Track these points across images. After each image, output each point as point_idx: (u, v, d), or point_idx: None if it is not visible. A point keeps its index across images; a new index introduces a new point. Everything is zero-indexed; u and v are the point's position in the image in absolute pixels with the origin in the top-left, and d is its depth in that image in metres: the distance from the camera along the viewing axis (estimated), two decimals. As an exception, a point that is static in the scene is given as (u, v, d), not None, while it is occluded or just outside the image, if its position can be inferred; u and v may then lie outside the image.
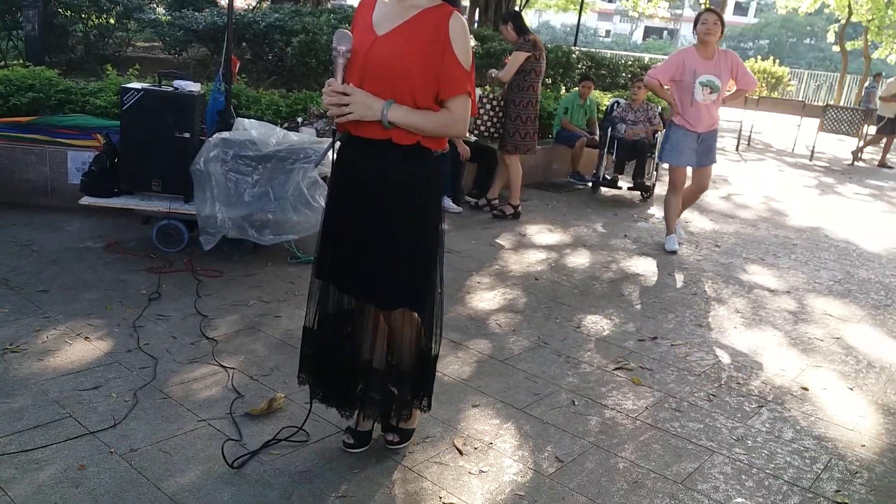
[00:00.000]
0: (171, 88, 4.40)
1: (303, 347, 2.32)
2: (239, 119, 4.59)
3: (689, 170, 5.15)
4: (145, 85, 4.46)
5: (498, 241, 5.24)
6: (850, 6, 22.45)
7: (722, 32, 4.87)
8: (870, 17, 22.56)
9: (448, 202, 6.03)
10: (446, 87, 1.96)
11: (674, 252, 5.22)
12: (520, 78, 5.73)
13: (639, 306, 4.08)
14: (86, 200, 4.30)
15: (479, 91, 7.22)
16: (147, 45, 9.14)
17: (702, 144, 5.00)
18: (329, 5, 12.25)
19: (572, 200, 6.87)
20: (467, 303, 3.91)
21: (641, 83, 7.50)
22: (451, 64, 1.93)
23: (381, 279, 2.08)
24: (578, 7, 16.75)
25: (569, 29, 51.85)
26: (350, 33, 1.96)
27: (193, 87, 4.46)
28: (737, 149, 12.02)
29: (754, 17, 57.07)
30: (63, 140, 5.04)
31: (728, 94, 5.10)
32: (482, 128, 6.03)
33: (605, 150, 7.10)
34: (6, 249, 4.13)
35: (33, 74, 5.46)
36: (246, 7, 13.27)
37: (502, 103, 5.91)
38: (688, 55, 4.91)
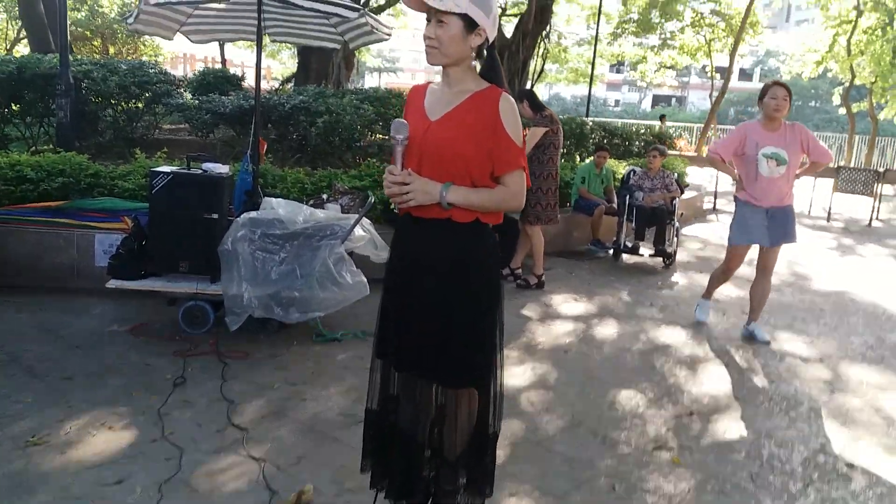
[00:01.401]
0: (199, 171, 4.49)
1: (365, 431, 2.31)
2: (266, 198, 4.65)
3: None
4: (174, 168, 4.56)
5: (524, 312, 5.19)
6: (852, 69, 22.82)
7: (789, 108, 4.55)
8: (872, 80, 22.89)
9: None
10: (501, 164, 2.00)
11: (703, 322, 5.09)
12: (539, 152, 5.81)
13: (672, 380, 3.98)
14: (113, 284, 4.33)
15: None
16: (172, 127, 9.41)
17: (772, 220, 4.61)
18: (351, 87, 12.66)
19: (595, 268, 6.83)
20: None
21: (657, 152, 7.59)
22: (504, 141, 1.97)
23: (444, 357, 2.07)
24: (589, 79, 17.13)
25: (579, 100, 53.04)
26: (406, 122, 2.01)
27: (222, 169, 4.55)
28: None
29: (759, 81, 58.13)
30: (91, 223, 5.13)
31: (802, 168, 4.79)
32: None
33: (625, 217, 7.10)
34: (33, 336, 4.14)
35: (64, 160, 5.60)
36: (269, 89, 13.77)
37: (522, 176, 5.97)
38: (750, 129, 4.64)
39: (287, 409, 3.34)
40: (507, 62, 16.21)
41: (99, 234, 5.11)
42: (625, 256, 7.27)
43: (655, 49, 25.70)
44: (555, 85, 44.13)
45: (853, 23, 21.88)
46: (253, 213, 4.39)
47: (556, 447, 3.06)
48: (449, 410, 2.17)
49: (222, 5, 5.16)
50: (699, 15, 24.09)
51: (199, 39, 5.51)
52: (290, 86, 14.80)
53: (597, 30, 16.23)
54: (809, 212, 12.17)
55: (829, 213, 11.63)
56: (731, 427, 3.36)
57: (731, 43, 23.83)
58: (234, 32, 5.63)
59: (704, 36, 24.49)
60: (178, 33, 5.38)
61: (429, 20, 1.97)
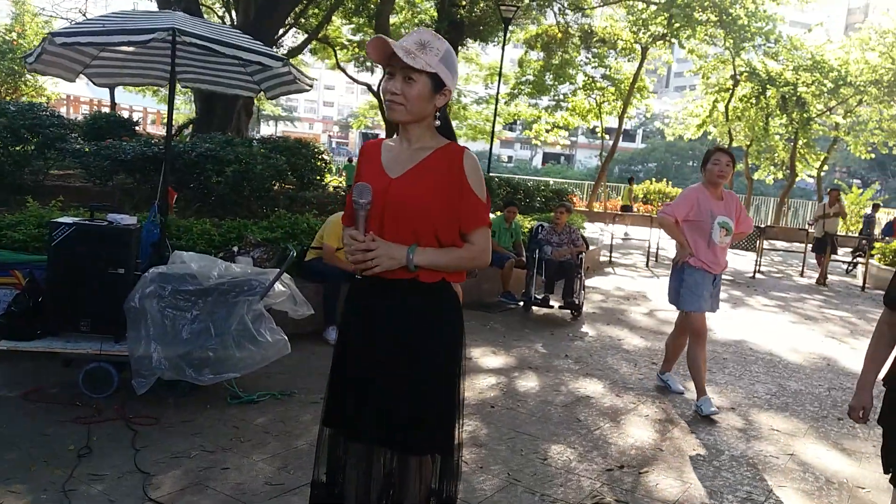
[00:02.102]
0: (104, 222, 4.21)
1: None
2: (176, 252, 4.41)
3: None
4: (77, 219, 4.25)
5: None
6: (730, 133, 24.88)
7: (732, 174, 4.55)
8: (748, 143, 25.03)
9: (333, 334, 5.77)
10: (468, 221, 1.98)
11: (715, 413, 4.46)
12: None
13: (598, 432, 4.03)
14: (3, 345, 3.94)
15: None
16: (61, 173, 8.83)
17: (715, 288, 4.63)
18: (249, 135, 12.40)
19: (508, 321, 6.91)
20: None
21: (564, 209, 7.88)
22: (470, 198, 1.96)
23: (409, 423, 1.98)
24: (490, 137, 17.70)
25: (476, 154, 54.66)
26: (369, 185, 1.94)
27: (129, 220, 4.29)
28: (647, 265, 12.64)
29: (641, 142, 62.22)
30: (-25, 278, 4.67)
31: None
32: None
33: (535, 270, 7.28)
34: None
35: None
36: (160, 137, 13.28)
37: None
38: (701, 194, 4.54)
39: (208, 479, 3.11)
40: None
41: (-15, 289, 4.65)
42: (535, 308, 7.42)
43: (549, 110, 26.96)
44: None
45: (731, 91, 23.96)
46: (162, 268, 4.15)
47: (495, 508, 3.01)
48: (405, 478, 2.08)
49: (131, 49, 4.96)
50: (591, 79, 25.57)
51: (102, 83, 5.25)
52: (187, 132, 14.36)
53: (497, 89, 16.82)
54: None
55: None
56: (661, 479, 3.43)
57: (619, 106, 25.42)
58: (141, 77, 5.41)
59: (595, 99, 25.98)
60: (80, 75, 5.11)
61: (391, 74, 1.94)
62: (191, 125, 14.41)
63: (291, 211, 6.99)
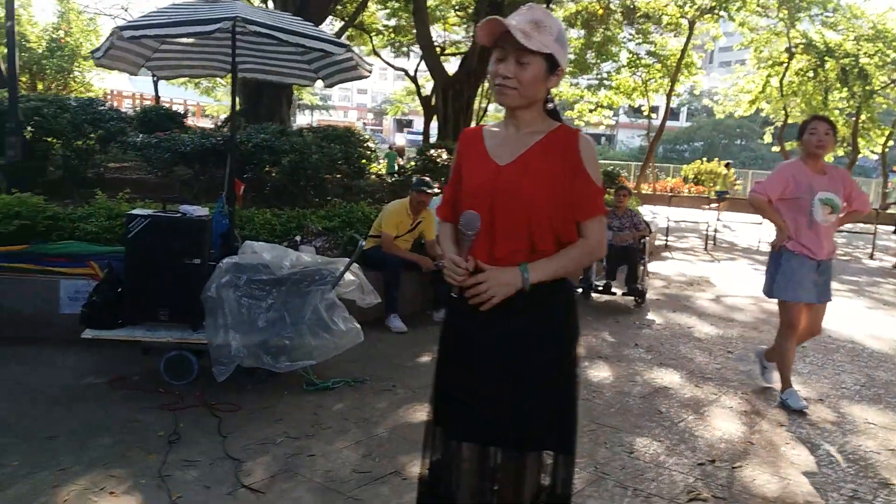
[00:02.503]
0: (177, 214, 4.25)
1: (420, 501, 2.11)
2: (247, 242, 4.44)
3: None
4: (151, 211, 4.30)
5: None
6: (785, 109, 24.08)
7: (833, 145, 4.14)
8: (805, 119, 24.15)
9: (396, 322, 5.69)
10: (584, 209, 1.89)
11: (804, 408, 4.20)
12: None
13: (682, 424, 3.93)
14: (88, 334, 4.02)
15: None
16: (118, 166, 8.99)
17: (822, 276, 4.17)
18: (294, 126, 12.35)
19: None
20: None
21: (626, 192, 7.71)
22: (586, 183, 1.87)
23: (530, 420, 1.90)
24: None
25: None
26: (478, 214, 1.84)
27: (201, 211, 4.32)
28: (705, 249, 12.36)
29: (686, 121, 60.79)
30: (55, 269, 4.79)
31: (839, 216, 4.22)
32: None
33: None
34: (3, 392, 3.79)
35: (19, 201, 5.24)
36: (213, 127, 13.41)
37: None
38: (797, 170, 4.15)
39: (296, 466, 3.12)
40: (451, 101, 16.37)
41: (64, 280, 4.77)
42: (594, 295, 7.29)
43: (592, 89, 26.49)
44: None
45: (785, 64, 23.11)
46: (236, 258, 4.18)
47: (589, 503, 2.94)
48: (518, 476, 2.01)
49: (190, 40, 4.98)
50: (635, 56, 25.01)
51: (163, 75, 5.31)
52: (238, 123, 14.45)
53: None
54: (758, 247, 12.61)
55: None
56: (756, 474, 3.31)
57: (666, 83, 24.80)
58: (201, 68, 5.44)
59: (641, 76, 25.42)
60: (142, 68, 5.16)
61: (501, 59, 1.85)
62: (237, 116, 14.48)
63: (345, 200, 6.98)
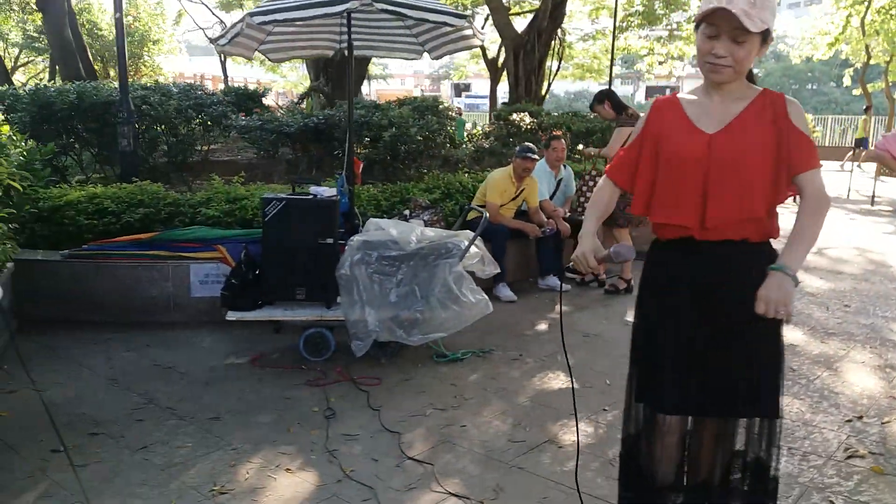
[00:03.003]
0: (310, 196, 4.39)
1: (626, 472, 2.20)
2: (371, 220, 4.55)
3: None
4: (285, 194, 4.45)
5: (628, 318, 5.06)
6: (867, 49, 22.76)
7: None
8: (887, 59, 22.84)
9: (555, 281, 5.94)
10: (802, 163, 1.87)
11: None
12: (624, 153, 5.72)
13: (818, 381, 3.88)
14: (232, 316, 4.22)
15: (570, 169, 7.20)
16: (214, 148, 9.27)
17: None
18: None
19: None
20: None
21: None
22: (801, 139, 1.86)
23: (742, 387, 1.94)
24: (608, 76, 17.07)
25: (572, 95, 52.90)
26: (632, 247, 1.94)
27: (329, 191, 4.45)
28: (794, 200, 11.91)
29: (757, 68, 58.00)
30: (185, 254, 5.02)
31: None
32: (586, 204, 5.98)
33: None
34: (154, 374, 4.03)
35: (141, 190, 5.51)
36: (288, 105, 13.63)
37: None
38: None
39: (452, 437, 3.23)
40: (522, 61, 16.12)
41: (193, 264, 4.99)
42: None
43: (663, 40, 25.59)
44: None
45: (867, 3, 21.78)
46: (365, 236, 4.29)
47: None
48: (730, 444, 2.05)
49: (300, 22, 5.04)
50: (705, 3, 23.95)
51: (276, 58, 5.41)
52: (308, 101, 14.65)
53: (614, 24, 16.14)
54: (848, 196, 12.12)
55: (873, 198, 11.56)
56: (908, 429, 3.27)
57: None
58: (310, 49, 5.53)
59: (712, 24, 24.35)
60: (255, 52, 5.28)
61: (712, 36, 1.83)
62: (311, 94, 14.64)
63: (444, 171, 7.04)
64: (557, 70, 17.57)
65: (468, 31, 4.79)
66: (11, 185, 4.00)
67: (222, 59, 31.17)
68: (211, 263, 4.97)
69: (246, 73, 36.90)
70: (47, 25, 12.13)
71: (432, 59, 5.54)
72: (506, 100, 20.72)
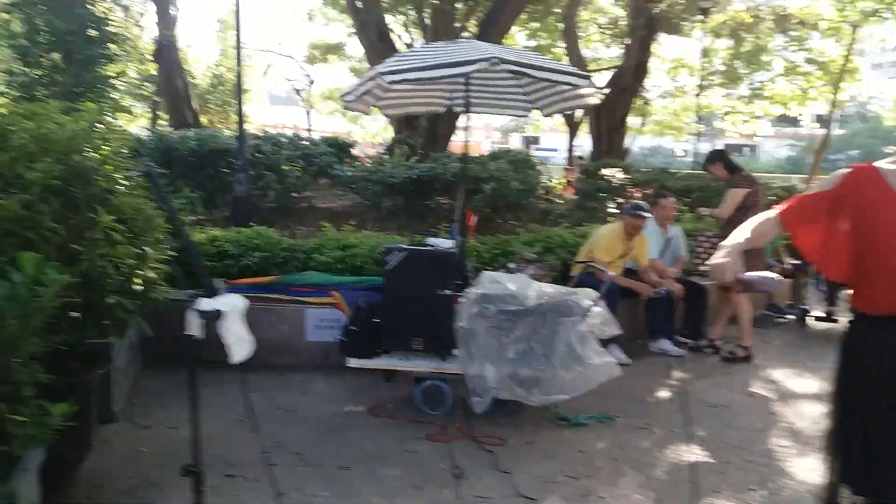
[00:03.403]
0: (429, 247, 4.42)
1: None
2: (485, 272, 4.52)
3: None
4: (404, 245, 4.50)
5: (753, 389, 4.86)
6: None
7: None
8: None
9: (668, 345, 5.73)
10: None
11: None
12: (739, 214, 5.54)
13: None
14: (353, 363, 4.23)
15: (679, 228, 7.04)
16: (311, 194, 9.53)
17: None
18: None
19: (787, 337, 6.41)
20: (796, 475, 3.50)
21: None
22: None
23: None
24: (678, 132, 16.85)
25: (647, 151, 52.50)
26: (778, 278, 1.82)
27: (446, 243, 4.47)
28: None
29: (839, 129, 56.46)
30: (301, 298, 5.10)
31: None
32: (701, 266, 5.83)
33: (813, 280, 6.71)
34: (278, 417, 4.06)
35: (257, 234, 5.65)
36: (376, 158, 13.95)
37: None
38: None
39: (590, 507, 3.10)
40: (604, 117, 16.13)
41: (309, 309, 5.06)
42: (810, 322, 6.80)
43: (744, 100, 25.24)
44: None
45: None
46: (482, 288, 4.25)
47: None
48: None
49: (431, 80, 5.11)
50: (791, 64, 23.60)
51: (392, 113, 5.55)
52: (389, 156, 14.94)
53: (700, 84, 15.96)
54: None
55: None
56: None
57: (828, 90, 23.18)
58: (425, 105, 5.64)
59: (799, 85, 23.94)
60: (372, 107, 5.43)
61: None
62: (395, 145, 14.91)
63: (541, 224, 7.00)
64: (642, 126, 17.43)
65: (586, 91, 4.80)
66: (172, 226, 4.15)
67: (307, 109, 32.44)
68: (325, 309, 5.04)
69: (327, 123, 38.13)
70: (161, 75, 12.91)
71: (543, 115, 5.57)
72: (579, 154, 20.75)
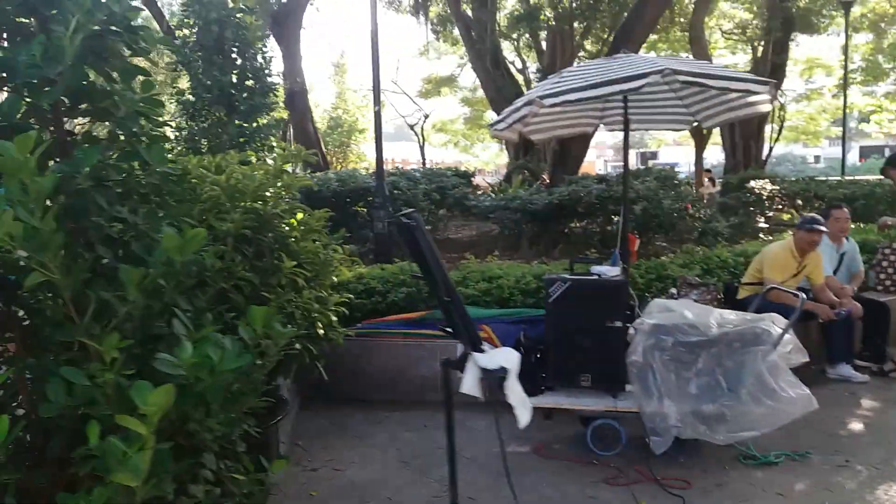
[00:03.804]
0: (594, 276, 4.18)
1: None
2: (655, 301, 4.23)
3: None
4: (566, 275, 4.30)
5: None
6: None
7: None
8: None
9: (849, 370, 5.16)
10: None
11: None
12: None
13: None
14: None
15: (854, 241, 6.39)
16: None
17: None
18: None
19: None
20: None
21: None
22: None
23: None
24: (841, 137, 15.63)
25: (774, 160, 49.37)
26: None
27: (613, 271, 4.21)
28: None
29: None
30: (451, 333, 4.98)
31: None
32: (886, 281, 5.22)
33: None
34: (442, 458, 3.87)
35: (401, 270, 5.64)
36: (494, 182, 13.91)
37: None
38: None
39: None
40: (739, 126, 15.27)
41: (461, 344, 4.93)
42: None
43: (891, 96, 23.23)
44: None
45: None
46: (654, 318, 3.96)
47: None
48: None
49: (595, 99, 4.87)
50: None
51: (538, 137, 5.39)
52: (517, 179, 14.83)
53: (845, 81, 14.81)
54: None
55: None
56: None
57: None
58: (572, 126, 5.44)
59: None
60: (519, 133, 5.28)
61: None
62: (518, 172, 14.78)
63: (697, 244, 6.57)
64: (779, 134, 16.37)
65: (758, 98, 4.42)
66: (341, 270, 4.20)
67: (421, 142, 33.15)
68: (477, 343, 4.89)
69: (438, 154, 38.79)
70: (293, 120, 13.54)
71: (704, 127, 5.24)
72: (707, 167, 19.75)
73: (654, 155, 55.55)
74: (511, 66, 20.10)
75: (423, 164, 31.74)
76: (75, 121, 1.82)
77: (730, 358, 3.77)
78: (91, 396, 1.30)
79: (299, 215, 2.99)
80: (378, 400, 4.88)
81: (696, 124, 5.21)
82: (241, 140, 6.45)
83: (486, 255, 6.63)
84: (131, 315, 1.41)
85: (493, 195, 9.33)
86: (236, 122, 6.55)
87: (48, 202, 1.31)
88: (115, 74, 1.67)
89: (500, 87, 15.72)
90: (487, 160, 39.55)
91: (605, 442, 3.93)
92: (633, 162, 55.61)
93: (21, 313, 1.57)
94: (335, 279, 3.11)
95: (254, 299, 2.44)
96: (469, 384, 1.86)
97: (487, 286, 5.36)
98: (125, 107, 1.63)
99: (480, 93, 27.78)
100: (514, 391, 1.84)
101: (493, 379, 1.82)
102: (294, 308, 2.53)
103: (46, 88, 1.52)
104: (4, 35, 1.72)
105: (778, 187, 9.29)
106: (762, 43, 16.94)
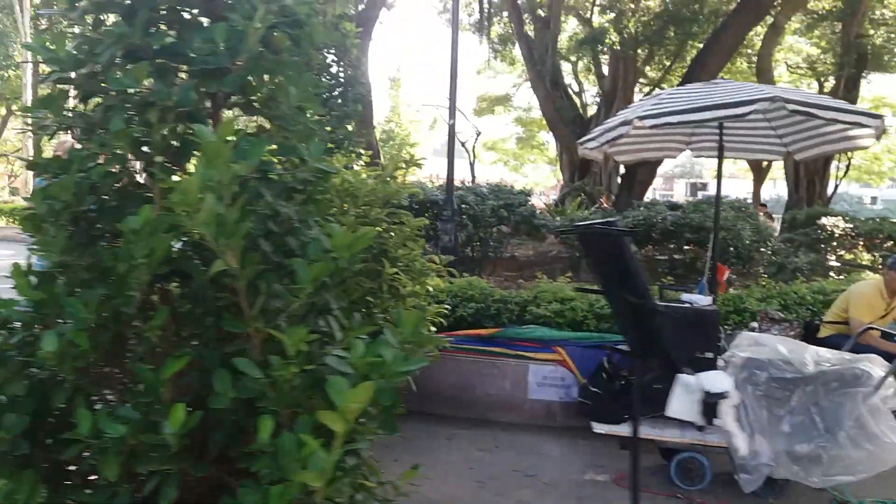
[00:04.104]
0: (686, 304, 4.06)
1: None
2: (745, 333, 4.08)
3: None
4: (663, 302, 4.18)
5: None
6: None
7: None
8: None
9: None
10: None
11: None
12: None
13: None
14: (600, 429, 3.91)
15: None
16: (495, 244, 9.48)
17: None
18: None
19: None
20: None
21: None
22: None
23: None
24: (878, 177, 15.09)
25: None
26: None
27: (705, 300, 4.09)
28: None
29: None
30: (524, 353, 4.91)
31: None
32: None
33: None
34: (518, 481, 3.83)
35: (470, 285, 5.57)
36: (547, 204, 13.80)
37: None
38: None
39: None
40: (804, 161, 14.88)
41: (532, 364, 4.85)
42: None
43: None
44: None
45: None
46: (747, 352, 3.81)
47: None
48: None
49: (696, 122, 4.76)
50: None
51: (623, 159, 5.31)
52: (574, 201, 14.69)
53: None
54: None
55: None
56: None
57: None
58: (659, 150, 5.34)
59: None
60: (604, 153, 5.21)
61: None
62: (574, 194, 14.64)
63: (775, 278, 6.37)
64: (846, 172, 15.93)
65: (858, 132, 4.27)
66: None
67: (471, 159, 33.25)
68: (550, 366, 4.81)
69: (487, 172, 38.81)
70: (356, 130, 13.69)
71: (797, 159, 5.07)
72: (763, 201, 19.28)
73: (704, 186, 54.70)
74: (568, 89, 20.03)
75: (473, 181, 31.80)
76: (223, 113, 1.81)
77: (826, 398, 3.61)
78: (259, 389, 1.27)
79: (406, 220, 2.96)
80: (440, 415, 4.81)
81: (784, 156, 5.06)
82: (330, 146, 6.49)
83: (542, 275, 6.53)
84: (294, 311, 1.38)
85: (549, 215, 9.24)
86: (327, 127, 6.61)
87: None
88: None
89: (558, 107, 15.67)
90: (538, 181, 39.41)
91: (690, 476, 3.79)
92: (683, 191, 54.83)
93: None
94: (430, 288, 3.06)
95: (359, 303, 2.41)
96: (680, 407, 1.74)
97: (560, 307, 5.25)
98: (286, 101, 1.61)
99: (534, 113, 27.78)
100: (730, 417, 1.72)
101: (715, 401, 1.70)
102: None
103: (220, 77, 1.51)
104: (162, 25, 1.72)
105: (851, 225, 8.99)
106: (828, 79, 16.57)
